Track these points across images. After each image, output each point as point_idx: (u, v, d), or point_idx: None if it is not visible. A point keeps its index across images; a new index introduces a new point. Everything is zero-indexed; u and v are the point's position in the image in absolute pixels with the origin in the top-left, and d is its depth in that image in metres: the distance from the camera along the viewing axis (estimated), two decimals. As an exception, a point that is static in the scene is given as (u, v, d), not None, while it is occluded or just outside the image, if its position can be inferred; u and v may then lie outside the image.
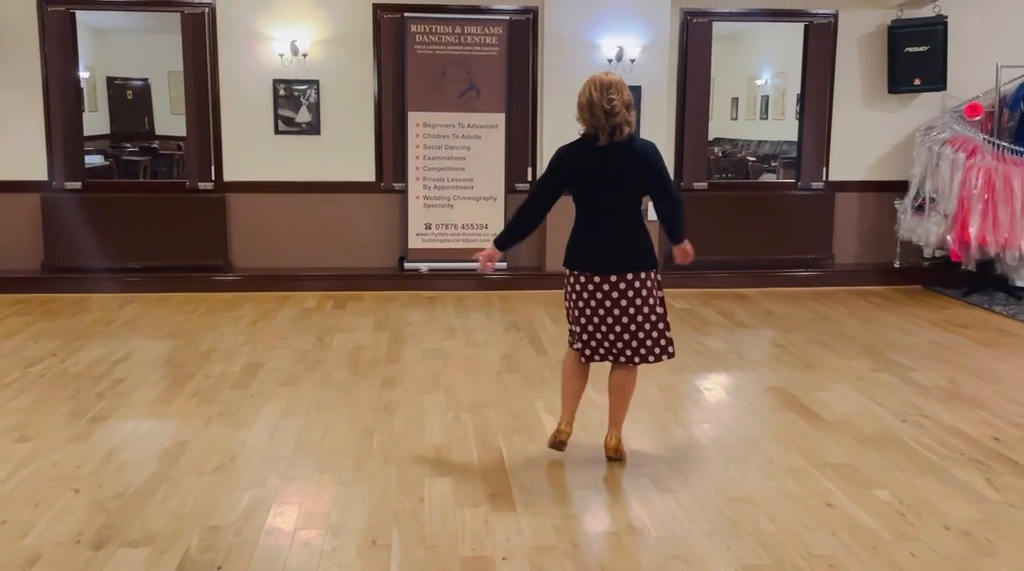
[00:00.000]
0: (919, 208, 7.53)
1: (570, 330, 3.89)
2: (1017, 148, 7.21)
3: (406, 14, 7.51)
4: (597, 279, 3.68)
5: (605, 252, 3.69)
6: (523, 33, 7.67)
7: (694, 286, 7.64)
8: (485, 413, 4.51)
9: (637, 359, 3.76)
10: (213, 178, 7.59)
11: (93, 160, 10.26)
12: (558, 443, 3.90)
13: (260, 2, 7.40)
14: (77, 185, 7.49)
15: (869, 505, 3.48)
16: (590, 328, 3.74)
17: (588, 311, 3.73)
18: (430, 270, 7.67)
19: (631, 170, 3.67)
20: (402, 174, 7.68)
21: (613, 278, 3.67)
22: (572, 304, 3.80)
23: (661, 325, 3.77)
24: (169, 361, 5.42)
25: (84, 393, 4.77)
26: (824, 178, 8.06)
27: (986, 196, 7.09)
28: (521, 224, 3.88)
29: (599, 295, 3.69)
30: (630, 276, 3.67)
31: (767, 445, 4.11)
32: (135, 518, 3.30)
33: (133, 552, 3.05)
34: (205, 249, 7.55)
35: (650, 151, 3.72)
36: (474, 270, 7.65)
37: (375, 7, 7.55)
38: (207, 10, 7.38)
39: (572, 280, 3.77)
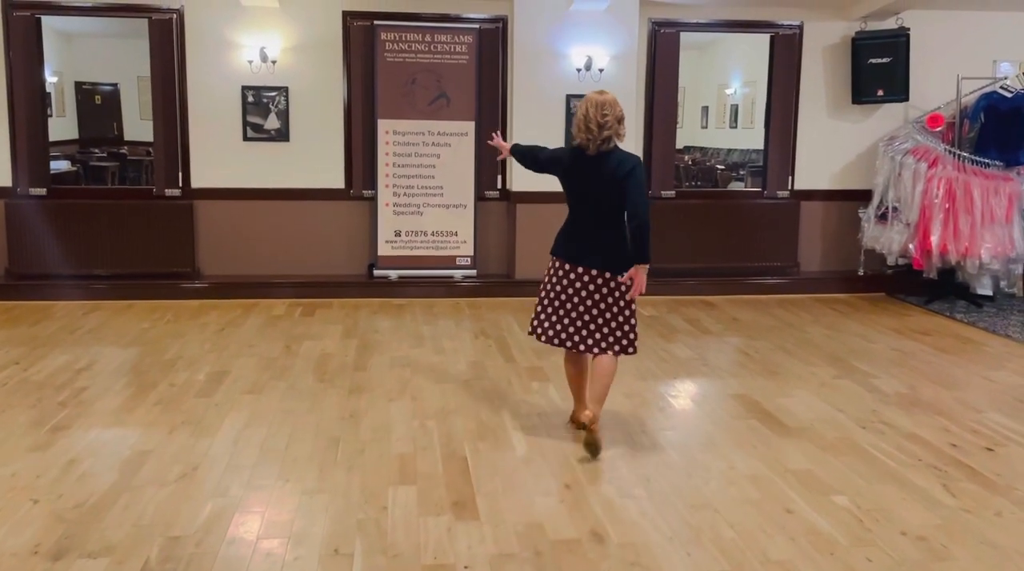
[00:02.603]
0: (882, 217, 7.64)
1: (536, 314, 4.23)
2: (977, 158, 7.35)
3: (376, 22, 7.52)
4: (577, 269, 4.08)
5: (583, 248, 4.08)
6: (493, 42, 7.71)
7: (661, 293, 7.70)
8: (451, 421, 4.52)
9: (596, 350, 4.13)
10: (180, 185, 7.54)
11: (60, 166, 10.16)
12: (581, 424, 4.12)
13: (229, 8, 7.37)
14: (42, 191, 7.42)
15: (828, 511, 3.53)
16: (559, 312, 4.13)
17: (561, 296, 4.12)
18: (399, 277, 7.67)
19: (610, 178, 3.96)
20: (372, 181, 7.68)
21: (593, 272, 4.06)
22: (550, 288, 4.17)
23: (626, 327, 4.11)
24: (133, 369, 5.38)
25: (46, 402, 4.72)
26: (790, 187, 8.17)
27: (947, 205, 7.21)
28: (524, 157, 4.42)
29: (577, 284, 4.09)
30: (603, 273, 4.05)
31: (729, 452, 4.16)
32: (95, 529, 3.27)
33: (92, 563, 3.02)
34: (172, 256, 7.50)
35: (626, 162, 3.99)
36: (443, 278, 7.75)
37: (345, 14, 7.56)
38: (175, 16, 7.35)
39: (556, 266, 4.16)
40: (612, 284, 4.06)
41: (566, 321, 4.13)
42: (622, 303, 4.09)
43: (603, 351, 4.12)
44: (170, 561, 3.05)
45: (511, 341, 6.16)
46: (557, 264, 4.15)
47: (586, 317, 4.09)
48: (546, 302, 4.18)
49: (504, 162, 7.77)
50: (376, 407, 4.72)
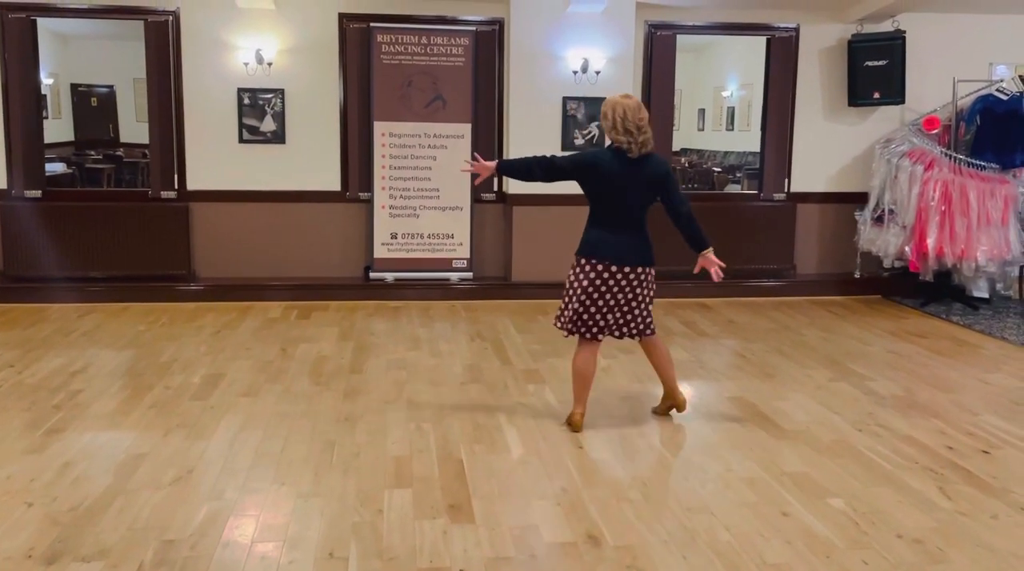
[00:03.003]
0: (878, 219, 7.65)
1: (568, 317, 4.37)
2: (973, 161, 7.35)
3: (372, 24, 7.52)
4: (624, 268, 4.26)
5: (620, 247, 4.27)
6: (489, 44, 7.71)
7: (658, 296, 7.65)
8: (447, 423, 4.51)
9: (629, 336, 4.44)
10: (176, 187, 7.53)
11: (55, 168, 10.15)
12: (578, 427, 4.42)
13: (225, 10, 7.36)
14: (37, 193, 7.40)
15: (824, 514, 3.52)
16: (602, 309, 4.30)
17: (606, 295, 4.28)
18: (396, 280, 7.67)
19: (650, 178, 4.25)
20: (368, 184, 7.67)
21: (639, 269, 4.30)
22: (592, 290, 4.28)
23: (645, 311, 4.45)
24: (128, 372, 5.36)
25: (40, 405, 4.71)
26: (786, 189, 8.18)
27: (943, 208, 7.22)
28: (530, 170, 4.38)
29: (623, 282, 4.28)
30: (645, 269, 4.32)
31: (726, 454, 4.15)
32: (89, 532, 3.26)
33: (86, 567, 3.01)
34: (168, 258, 7.49)
35: (661, 161, 4.37)
36: (440, 280, 7.75)
37: (341, 16, 7.55)
38: (171, 18, 7.34)
39: (599, 269, 4.26)
40: (649, 278, 4.35)
41: (609, 317, 4.34)
42: (652, 289, 4.42)
43: (641, 335, 4.45)
44: (164, 565, 3.04)
45: (507, 344, 6.15)
46: (600, 266, 4.25)
47: (624, 308, 4.35)
48: (588, 303, 4.30)
49: (499, 178, 7.66)
50: (372, 410, 4.71)
